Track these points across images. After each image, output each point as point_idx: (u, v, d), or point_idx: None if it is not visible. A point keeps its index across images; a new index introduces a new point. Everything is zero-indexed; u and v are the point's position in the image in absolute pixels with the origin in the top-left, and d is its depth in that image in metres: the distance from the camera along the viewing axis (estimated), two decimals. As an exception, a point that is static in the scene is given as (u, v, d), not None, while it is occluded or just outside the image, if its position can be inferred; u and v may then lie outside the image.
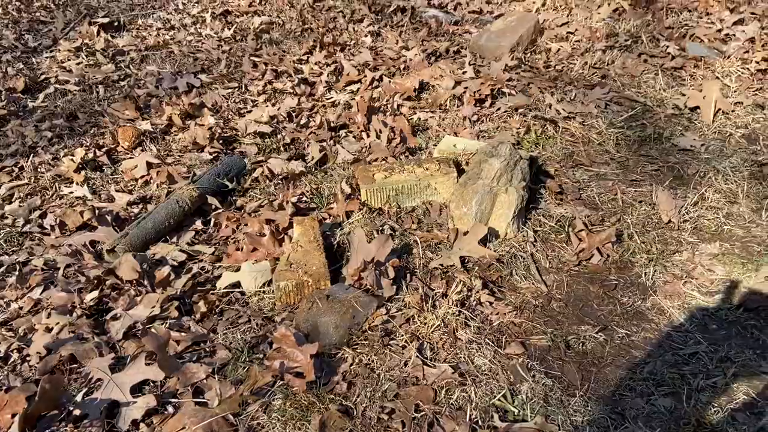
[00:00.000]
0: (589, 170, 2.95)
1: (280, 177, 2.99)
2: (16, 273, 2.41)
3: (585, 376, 1.87)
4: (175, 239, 2.63)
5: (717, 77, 3.63)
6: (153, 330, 2.06)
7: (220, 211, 2.75)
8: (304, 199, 2.82)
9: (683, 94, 3.49)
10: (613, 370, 1.89)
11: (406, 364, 1.89)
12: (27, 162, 3.22)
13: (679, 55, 3.92)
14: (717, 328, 2.06)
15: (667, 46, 4.03)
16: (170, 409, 1.80)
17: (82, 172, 3.14)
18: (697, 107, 3.37)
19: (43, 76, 4.31)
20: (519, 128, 3.27)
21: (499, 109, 3.51)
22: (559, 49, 4.27)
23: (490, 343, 1.97)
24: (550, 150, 3.11)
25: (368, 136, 3.31)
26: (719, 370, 1.89)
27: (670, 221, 2.55)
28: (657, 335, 2.03)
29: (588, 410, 1.76)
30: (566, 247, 2.45)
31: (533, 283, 2.27)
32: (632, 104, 3.50)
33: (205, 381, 1.87)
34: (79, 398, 1.81)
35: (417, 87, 3.84)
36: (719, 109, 3.30)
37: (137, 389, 1.85)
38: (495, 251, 2.39)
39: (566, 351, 1.96)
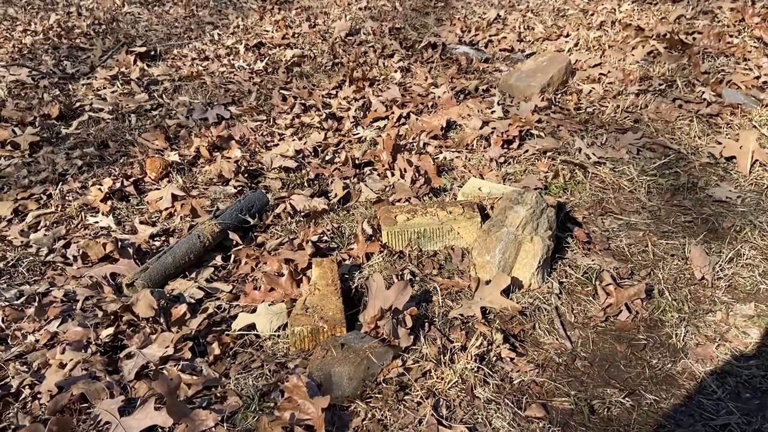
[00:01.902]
0: (619, 219, 2.87)
1: (302, 214, 2.97)
2: (36, 304, 2.41)
3: (609, 445, 1.78)
4: (194, 275, 2.61)
5: (755, 126, 3.53)
6: (165, 372, 2.02)
7: (240, 247, 2.74)
8: (325, 238, 2.79)
9: (719, 143, 3.39)
10: (639, 440, 1.79)
11: (420, 423, 1.81)
12: (55, 190, 3.26)
13: (715, 102, 3.83)
14: (750, 397, 1.94)
15: (703, 92, 3.94)
16: (176, 457, 1.76)
17: (109, 202, 3.16)
18: (733, 157, 3.27)
19: (78, 103, 4.40)
20: (547, 172, 3.21)
21: (527, 151, 3.45)
22: (590, 91, 4.21)
23: (510, 404, 1.89)
24: (579, 196, 3.04)
25: (392, 174, 3.29)
26: (753, 445, 1.78)
27: (703, 278, 2.45)
28: (687, 402, 1.93)
29: (611, 483, 1.66)
30: (593, 301, 2.37)
31: (557, 339, 2.18)
32: (665, 151, 3.42)
33: (213, 429, 1.82)
34: (85, 441, 1.78)
35: (444, 125, 3.82)
36: (756, 160, 3.19)
37: (145, 435, 1.81)
38: (518, 303, 2.31)
39: (590, 416, 1.87)
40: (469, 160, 3.45)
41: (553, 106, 4.03)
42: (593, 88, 4.23)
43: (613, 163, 3.27)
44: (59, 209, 3.11)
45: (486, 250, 2.43)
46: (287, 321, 2.23)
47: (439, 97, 4.29)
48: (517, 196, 2.60)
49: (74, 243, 2.83)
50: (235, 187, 3.28)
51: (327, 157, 3.59)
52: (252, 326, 2.27)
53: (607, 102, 4.03)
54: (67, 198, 3.22)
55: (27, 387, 2.01)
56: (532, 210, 2.52)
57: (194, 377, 2.01)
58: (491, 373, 1.99)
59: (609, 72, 4.40)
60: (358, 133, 3.87)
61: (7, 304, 2.43)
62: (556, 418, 1.86)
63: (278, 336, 2.22)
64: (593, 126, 3.73)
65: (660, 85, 4.15)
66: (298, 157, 3.56)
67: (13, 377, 2.04)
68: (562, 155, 3.35)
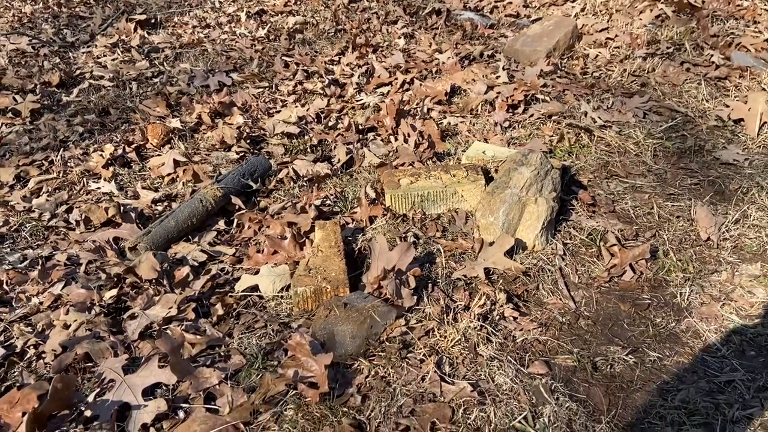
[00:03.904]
0: (625, 182, 2.84)
1: (305, 179, 2.95)
2: (39, 267, 2.41)
3: (612, 401, 1.77)
4: (197, 239, 2.61)
5: (763, 89, 3.47)
6: (168, 332, 2.03)
7: (243, 211, 2.72)
8: (328, 202, 2.77)
9: (727, 106, 3.34)
10: (642, 396, 1.79)
11: (423, 379, 1.82)
12: (57, 156, 3.24)
13: (723, 65, 3.77)
14: (755, 355, 1.94)
15: (712, 55, 3.87)
16: (181, 414, 1.77)
17: (111, 168, 3.15)
18: (742, 119, 3.22)
19: (78, 71, 4.36)
20: (552, 136, 3.17)
21: (532, 115, 3.41)
22: (597, 56, 4.14)
23: (513, 361, 1.88)
24: (584, 159, 3.00)
25: (396, 139, 3.26)
26: (756, 401, 1.77)
27: (708, 239, 2.43)
28: (691, 360, 1.92)
29: (614, 438, 1.67)
30: (597, 262, 2.35)
31: (560, 299, 2.17)
32: (672, 114, 3.37)
33: (217, 387, 1.83)
34: (90, 399, 1.79)
35: (448, 91, 3.77)
36: (765, 122, 3.14)
37: (149, 392, 1.82)
38: (521, 264, 2.30)
39: (593, 373, 1.86)
40: (474, 125, 3.41)
41: (558, 71, 3.97)
42: (600, 52, 4.16)
43: (619, 127, 3.23)
44: (61, 175, 3.10)
45: (490, 211, 2.41)
46: (290, 282, 2.23)
47: (443, 62, 4.23)
48: (522, 158, 2.57)
49: (76, 208, 2.82)
50: (237, 153, 3.25)
51: (330, 123, 3.55)
52: (255, 287, 2.26)
53: (613, 66, 3.97)
54: (68, 164, 3.21)
55: (32, 347, 2.02)
56: (537, 171, 2.49)
57: (198, 337, 2.01)
58: (494, 331, 1.99)
59: (616, 36, 4.32)
60: (361, 99, 3.83)
61: (10, 267, 2.43)
62: (559, 374, 1.85)
63: (281, 297, 2.22)
64: (599, 90, 3.67)
65: (668, 48, 4.08)
66: (301, 123, 3.53)
67: (17, 338, 2.05)
68: (568, 119, 3.31)
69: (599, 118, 3.28)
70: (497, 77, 3.85)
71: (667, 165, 2.96)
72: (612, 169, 2.93)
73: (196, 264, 2.43)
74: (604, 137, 3.13)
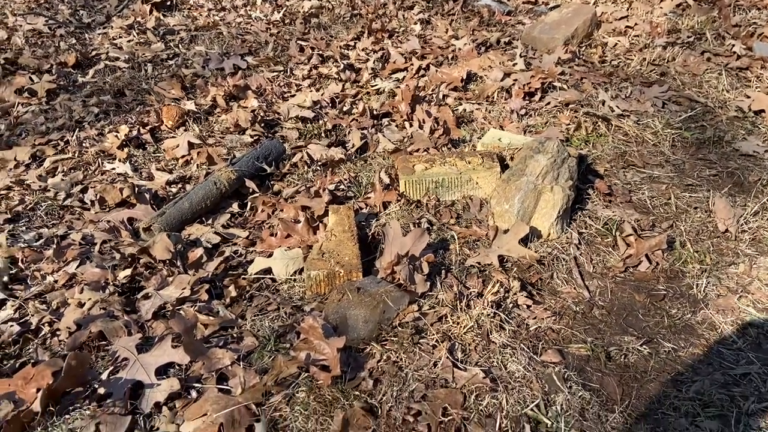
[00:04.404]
0: (642, 172, 2.80)
1: (319, 163, 2.95)
2: (54, 246, 2.43)
3: (626, 391, 1.76)
4: (210, 221, 2.61)
5: (786, 79, 3.41)
6: (182, 312, 2.03)
7: (257, 195, 2.72)
8: (342, 187, 2.76)
9: (748, 96, 3.29)
10: (656, 387, 1.77)
11: (435, 365, 1.81)
12: (72, 136, 3.26)
13: (745, 55, 3.70)
14: (772, 349, 1.92)
15: (733, 45, 3.80)
16: (193, 393, 1.77)
17: (125, 149, 3.16)
18: (762, 111, 3.16)
19: (94, 52, 4.37)
20: (569, 124, 3.13)
21: (548, 103, 3.37)
22: (616, 44, 4.08)
23: (526, 349, 1.87)
24: (601, 149, 2.97)
25: (411, 125, 3.23)
26: (773, 394, 1.75)
27: (726, 230, 2.39)
28: (706, 352, 1.90)
29: (627, 428, 1.65)
30: (612, 251, 2.33)
31: (575, 288, 2.16)
32: (692, 104, 3.32)
33: (229, 367, 1.83)
34: (104, 376, 1.80)
35: (464, 77, 3.74)
36: (787, 114, 3.09)
37: (162, 371, 1.83)
38: (536, 252, 2.28)
39: (607, 362, 1.85)
40: (490, 112, 3.38)
41: (576, 59, 3.92)
42: (619, 40, 4.10)
43: (637, 116, 3.18)
44: (76, 155, 3.11)
45: (505, 199, 2.39)
46: (303, 265, 2.23)
47: (459, 49, 4.19)
48: (538, 145, 2.55)
49: (91, 188, 2.83)
50: (251, 136, 3.25)
51: (344, 108, 3.54)
52: (268, 270, 2.27)
53: (632, 55, 3.91)
54: (84, 144, 3.22)
55: (46, 324, 2.03)
56: (553, 159, 2.47)
57: (211, 318, 2.02)
58: (507, 319, 1.98)
59: (636, 24, 4.25)
60: (376, 85, 3.81)
61: (26, 245, 2.45)
62: (572, 363, 1.84)
63: (294, 280, 2.22)
64: (618, 79, 3.63)
65: (688, 37, 4.01)
66: (316, 108, 3.51)
67: (32, 315, 2.07)
68: (585, 107, 3.27)
69: (617, 107, 3.24)
70: (514, 64, 3.81)
71: (685, 155, 2.91)
72: (629, 158, 2.90)
73: (210, 246, 2.43)
74: (621, 126, 3.09)
